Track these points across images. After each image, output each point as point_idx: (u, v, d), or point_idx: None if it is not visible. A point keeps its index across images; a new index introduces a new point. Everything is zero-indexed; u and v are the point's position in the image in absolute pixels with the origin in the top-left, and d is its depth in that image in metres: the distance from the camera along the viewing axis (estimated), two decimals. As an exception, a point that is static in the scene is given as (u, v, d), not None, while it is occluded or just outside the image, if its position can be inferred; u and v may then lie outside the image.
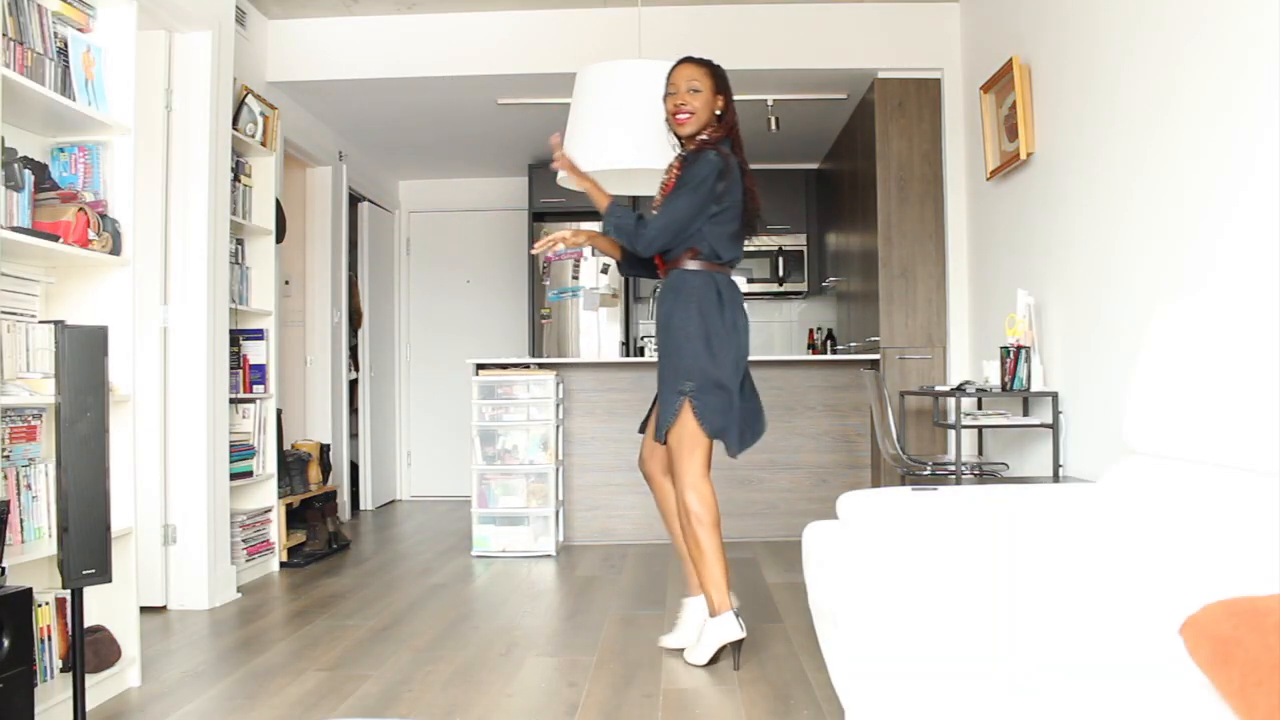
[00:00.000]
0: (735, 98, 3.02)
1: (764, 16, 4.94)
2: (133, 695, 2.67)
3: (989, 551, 1.99)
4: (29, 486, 2.54)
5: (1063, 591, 1.71)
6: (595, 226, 6.62)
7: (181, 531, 3.67)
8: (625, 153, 3.24)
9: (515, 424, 4.84)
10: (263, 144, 4.45)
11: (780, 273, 7.00)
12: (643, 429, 3.17)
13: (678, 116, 2.91)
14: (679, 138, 2.99)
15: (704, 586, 2.88)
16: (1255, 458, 1.63)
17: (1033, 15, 3.92)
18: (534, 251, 3.09)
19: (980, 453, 4.54)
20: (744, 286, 7.03)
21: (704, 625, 2.87)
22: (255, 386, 4.38)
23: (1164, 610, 1.49)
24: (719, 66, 2.98)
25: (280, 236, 4.83)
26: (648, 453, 3.10)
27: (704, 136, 2.93)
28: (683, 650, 2.93)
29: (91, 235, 2.67)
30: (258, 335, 4.42)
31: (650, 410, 3.10)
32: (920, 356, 4.98)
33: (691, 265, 2.94)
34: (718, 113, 2.94)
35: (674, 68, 2.96)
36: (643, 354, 6.90)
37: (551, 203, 6.72)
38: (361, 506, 6.66)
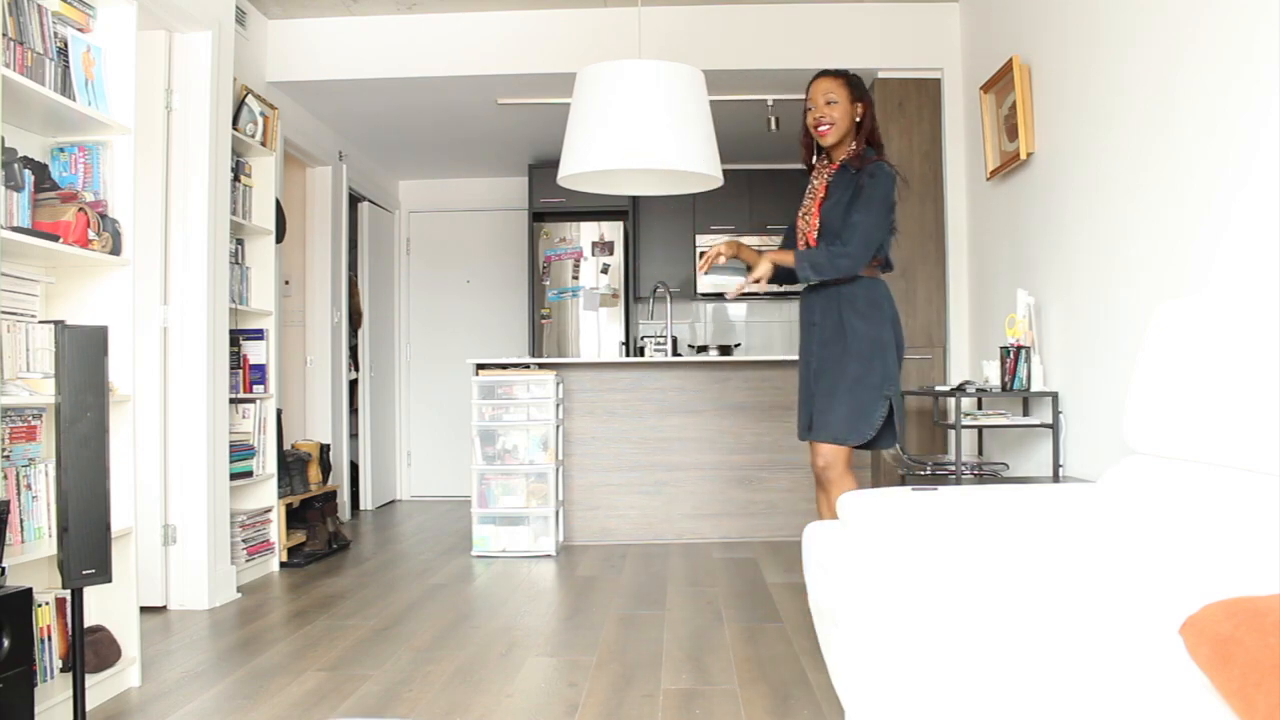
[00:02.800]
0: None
1: (764, 16, 4.94)
2: (133, 695, 2.67)
3: (989, 552, 1.99)
4: (29, 486, 2.54)
5: (1063, 591, 1.71)
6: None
7: (181, 531, 3.67)
8: (625, 153, 3.24)
9: (515, 424, 4.84)
10: (263, 144, 4.45)
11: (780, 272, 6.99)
12: (802, 434, 3.15)
13: (819, 129, 3.02)
14: (818, 150, 3.13)
15: None
16: (1255, 458, 1.63)
17: (1033, 15, 3.92)
18: (703, 271, 3.17)
19: (980, 453, 4.54)
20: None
21: None
22: (255, 386, 4.38)
23: (1164, 610, 1.49)
24: (855, 76, 3.09)
25: (280, 236, 4.83)
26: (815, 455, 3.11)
27: (854, 147, 3.03)
28: None
29: (91, 235, 2.67)
30: (258, 335, 4.42)
31: (804, 415, 3.11)
32: (920, 356, 4.97)
33: (877, 275, 3.06)
34: (857, 120, 3.03)
35: (810, 83, 3.09)
36: (642, 354, 6.90)
37: (551, 203, 6.72)
38: (361, 506, 6.66)
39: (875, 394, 2.95)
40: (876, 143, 3.08)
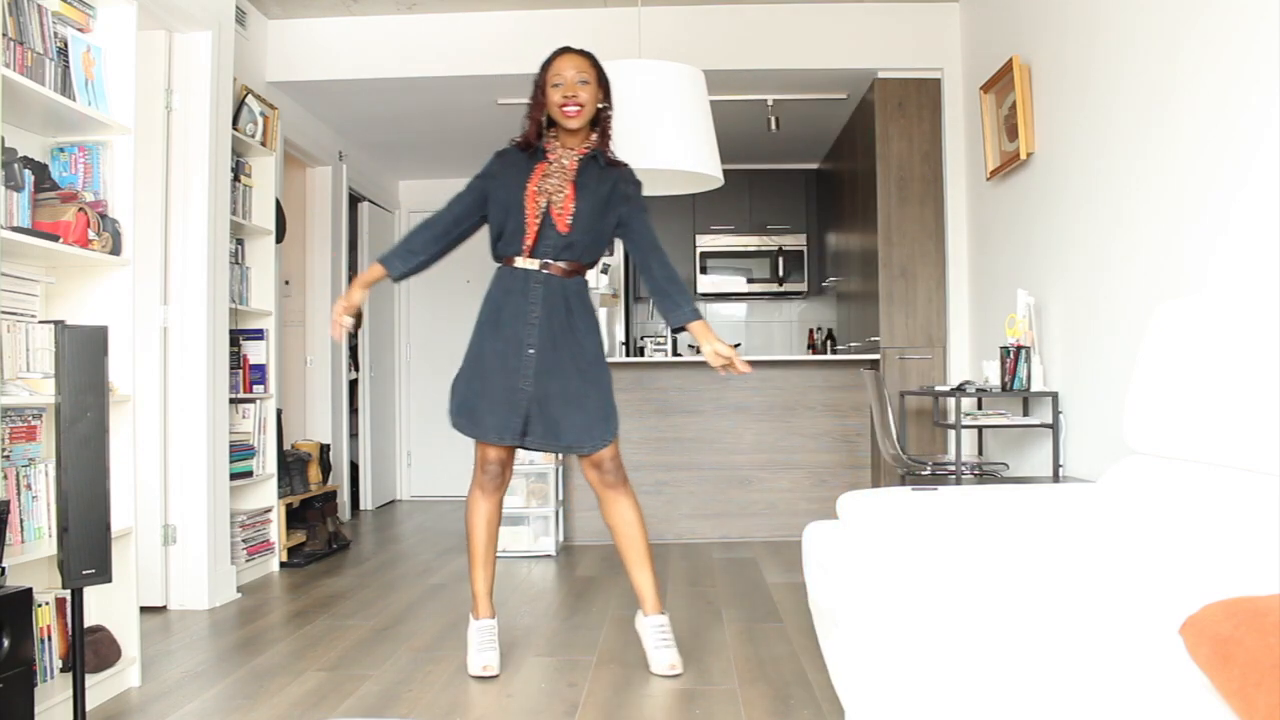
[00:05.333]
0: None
1: (764, 16, 4.94)
2: (133, 695, 2.67)
3: (989, 552, 1.99)
4: (29, 486, 2.54)
5: (1062, 591, 1.71)
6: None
7: (181, 531, 3.67)
8: (625, 153, 3.23)
9: (515, 424, 4.84)
10: (263, 144, 4.45)
11: (780, 273, 7.00)
12: (502, 438, 2.84)
13: (566, 109, 2.77)
14: (548, 130, 2.87)
15: (656, 589, 2.91)
16: (1255, 458, 1.63)
17: (1033, 15, 3.92)
18: (746, 369, 2.87)
19: (980, 453, 4.54)
20: (744, 286, 7.06)
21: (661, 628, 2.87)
22: (255, 386, 4.38)
23: (1164, 610, 1.49)
24: (599, 62, 2.88)
25: (280, 236, 4.83)
26: (509, 461, 2.95)
27: (595, 138, 2.86)
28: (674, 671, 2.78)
29: (91, 235, 2.67)
30: (258, 335, 4.42)
31: (511, 417, 2.82)
32: (920, 356, 4.98)
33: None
34: (599, 106, 2.84)
35: (554, 59, 2.82)
36: (642, 354, 6.91)
37: (551, 203, 6.70)
38: (361, 506, 6.66)
39: (610, 396, 2.87)
40: (610, 137, 2.88)
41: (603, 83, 2.85)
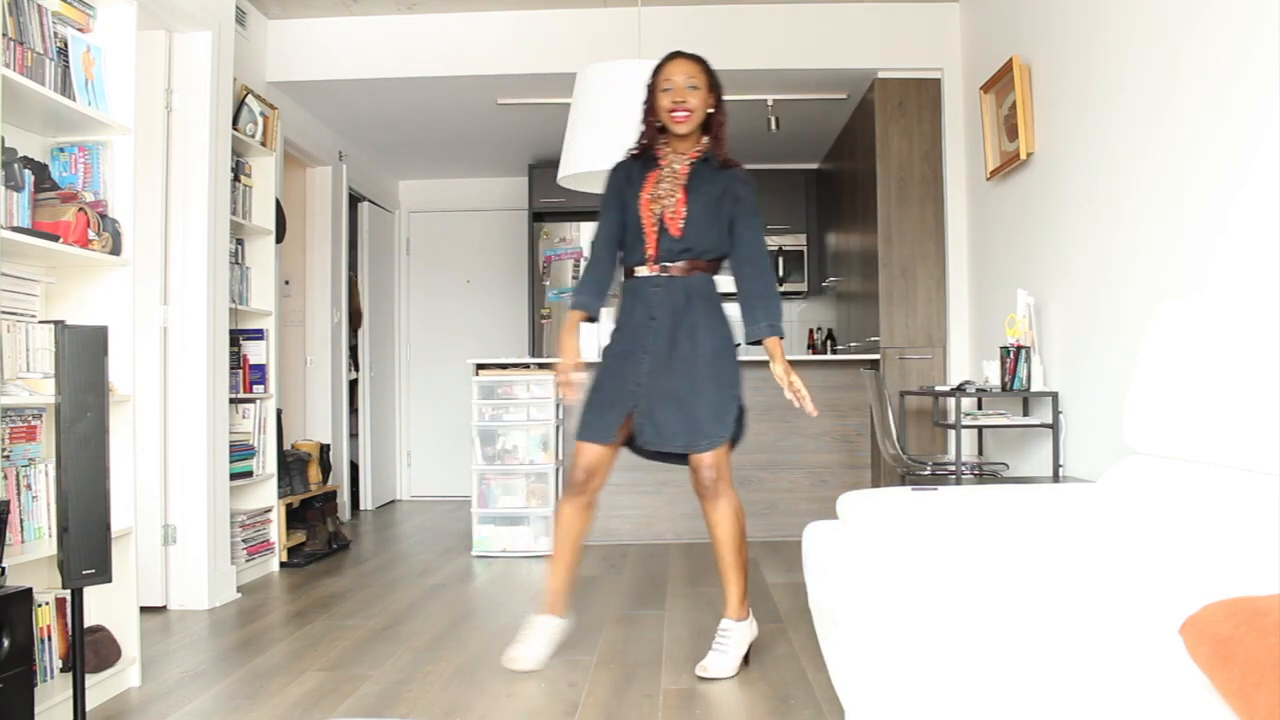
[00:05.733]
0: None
1: (764, 16, 4.94)
2: (133, 695, 2.67)
3: (988, 552, 1.98)
4: (29, 486, 2.54)
5: (1062, 591, 1.71)
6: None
7: (181, 531, 3.67)
8: (625, 153, 3.23)
9: (515, 424, 4.84)
10: (263, 144, 4.45)
11: (780, 272, 7.00)
12: (595, 438, 2.83)
13: (676, 114, 2.79)
14: (657, 135, 2.88)
15: (743, 596, 2.85)
16: (1255, 458, 1.63)
17: (1033, 15, 3.92)
18: (812, 411, 2.86)
19: (980, 453, 4.54)
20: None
21: (743, 634, 2.83)
22: (255, 386, 4.38)
23: (1164, 610, 1.49)
24: (711, 65, 2.89)
25: (280, 236, 4.83)
26: (598, 464, 2.85)
27: (708, 140, 2.87)
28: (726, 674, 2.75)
29: (91, 235, 2.67)
30: (258, 335, 4.42)
31: (613, 418, 2.82)
32: (920, 356, 4.98)
33: (716, 276, 2.91)
34: (709, 111, 2.85)
35: (665, 63, 2.83)
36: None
37: (551, 203, 6.72)
38: (361, 506, 6.66)
39: (730, 394, 2.83)
40: (724, 141, 2.89)
41: (714, 87, 2.86)
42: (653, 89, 2.84)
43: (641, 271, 2.86)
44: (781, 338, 2.85)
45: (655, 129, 2.87)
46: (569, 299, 2.99)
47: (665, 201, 2.81)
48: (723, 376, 2.82)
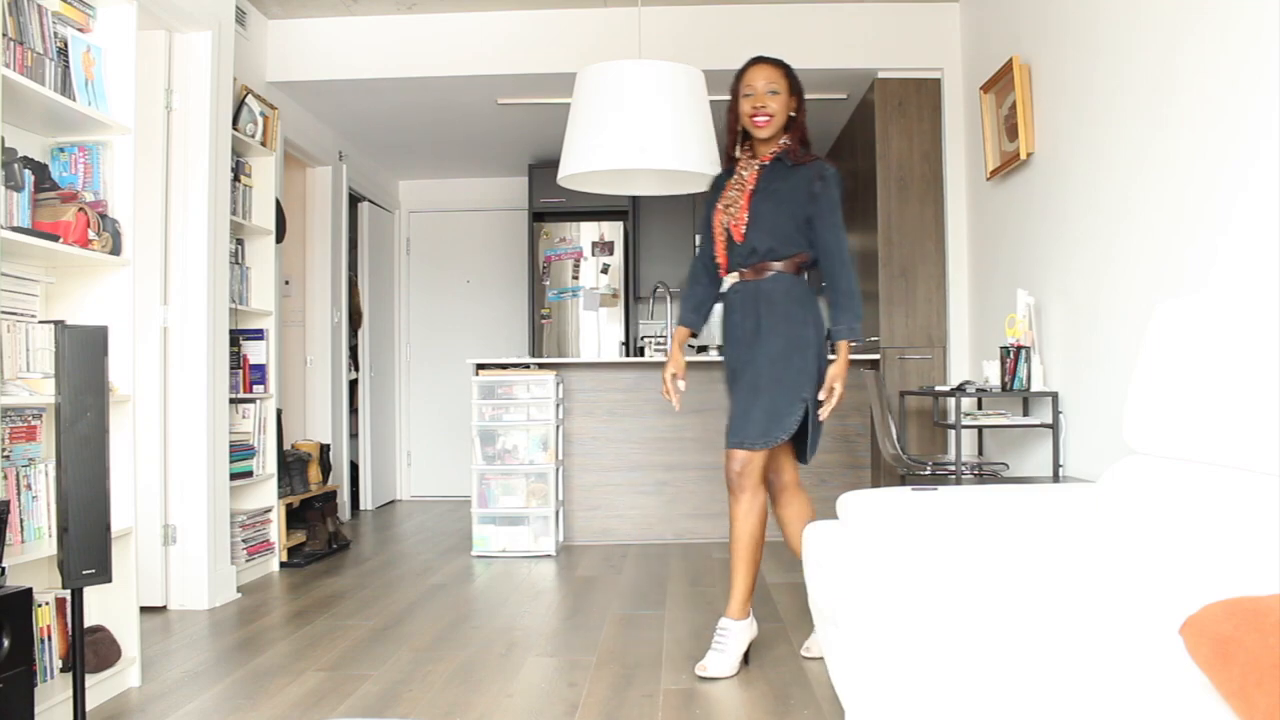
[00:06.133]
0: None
1: (764, 16, 4.94)
2: (133, 695, 2.67)
3: (988, 552, 1.99)
4: (29, 486, 2.54)
5: (1062, 591, 1.71)
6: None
7: (181, 531, 3.67)
8: (625, 153, 3.24)
9: (515, 424, 4.84)
10: (263, 144, 4.45)
11: (780, 273, 6.99)
12: (728, 442, 2.87)
13: (757, 119, 2.84)
14: (745, 141, 2.95)
15: (747, 596, 2.85)
16: (1255, 458, 1.63)
17: (1033, 15, 3.92)
18: (825, 412, 2.83)
19: (980, 453, 4.54)
20: (744, 286, 7.05)
21: (740, 634, 2.83)
22: (255, 386, 4.38)
23: (1164, 610, 1.49)
24: (791, 67, 2.93)
25: (280, 236, 4.83)
26: (752, 464, 2.83)
27: (787, 141, 2.89)
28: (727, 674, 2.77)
29: (91, 235, 2.67)
30: (258, 335, 4.42)
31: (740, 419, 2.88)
32: (920, 356, 4.98)
33: (800, 273, 2.91)
34: (791, 114, 2.90)
35: (746, 69, 2.90)
36: (643, 354, 6.91)
37: (551, 203, 6.72)
38: (361, 506, 6.66)
39: (791, 396, 2.79)
40: (808, 140, 2.92)
41: (795, 91, 2.90)
42: (734, 95, 2.91)
43: (727, 280, 2.98)
44: (853, 341, 2.83)
45: (738, 133, 2.95)
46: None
47: (731, 210, 2.90)
48: (786, 378, 2.81)
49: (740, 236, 2.86)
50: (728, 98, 2.96)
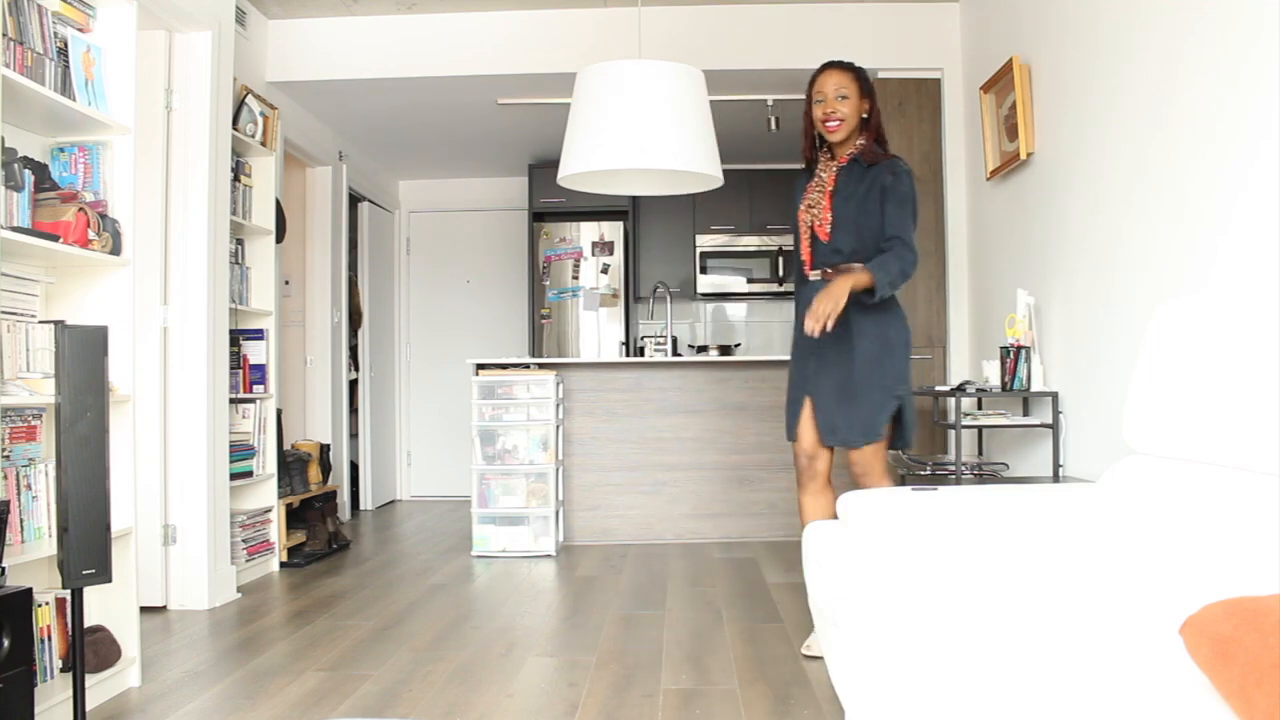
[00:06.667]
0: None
1: (764, 16, 4.94)
2: (133, 695, 2.67)
3: (989, 552, 1.99)
4: (29, 486, 2.54)
5: (1063, 591, 1.71)
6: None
7: (181, 531, 3.67)
8: (625, 153, 3.24)
9: (515, 424, 4.84)
10: (263, 144, 4.45)
11: (780, 273, 7.00)
12: (791, 435, 3.07)
13: (829, 124, 2.95)
14: (819, 144, 3.06)
15: None
16: (1255, 458, 1.63)
17: (1033, 15, 3.92)
18: (814, 332, 2.87)
19: (980, 453, 4.53)
20: (744, 286, 7.06)
21: None
22: (255, 386, 4.38)
23: (1164, 610, 1.49)
24: (863, 70, 3.03)
25: (280, 236, 4.83)
26: (817, 455, 3.02)
27: (863, 142, 2.98)
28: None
29: (91, 235, 2.67)
30: (258, 335, 4.42)
31: (795, 415, 3.03)
32: (920, 356, 4.97)
33: None
34: (864, 115, 2.98)
35: (818, 74, 3.01)
36: (642, 354, 6.90)
37: (551, 203, 6.72)
38: (361, 506, 6.66)
39: (886, 393, 2.91)
40: (883, 138, 3.03)
41: (866, 93, 2.98)
42: (808, 99, 3.02)
43: (809, 279, 3.03)
44: (875, 283, 2.79)
45: (814, 137, 3.06)
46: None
47: (814, 210, 3.00)
48: (881, 379, 2.92)
49: (826, 236, 2.97)
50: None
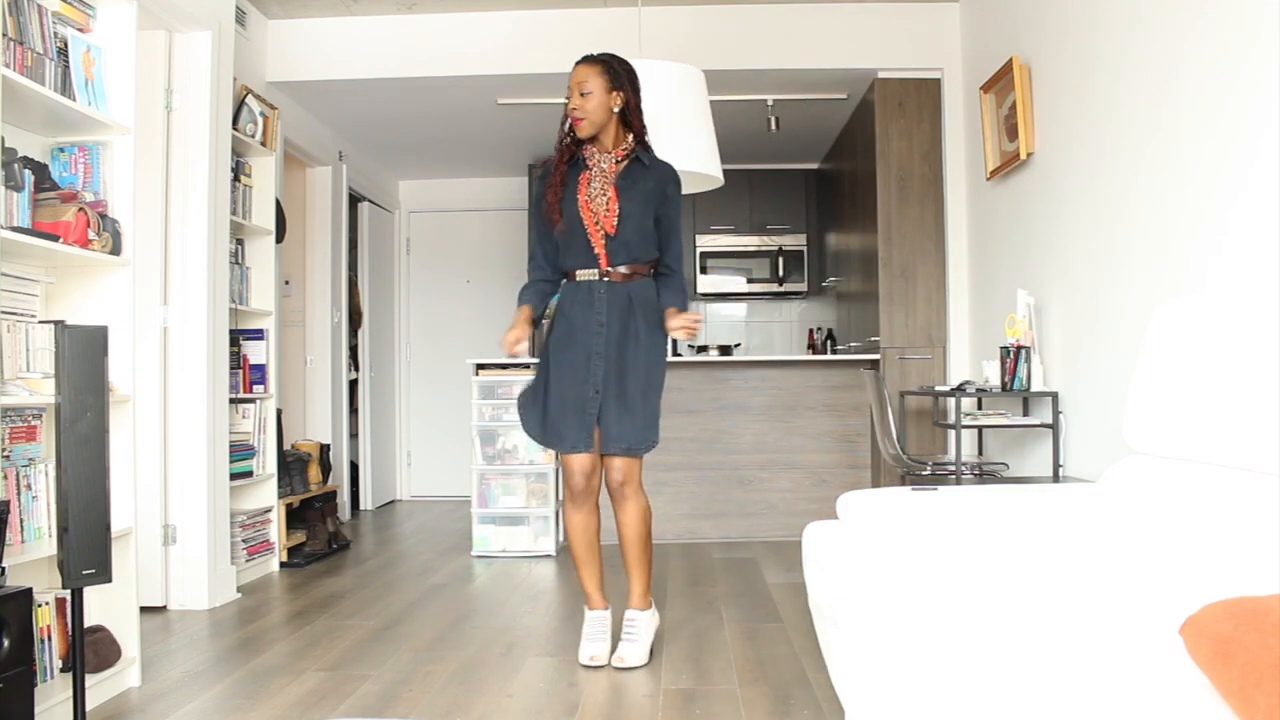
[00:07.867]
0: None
1: (764, 16, 4.94)
2: (133, 695, 2.67)
3: (988, 552, 1.99)
4: (29, 486, 2.54)
5: (1062, 591, 1.71)
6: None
7: (181, 531, 3.67)
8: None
9: (515, 424, 4.83)
10: (263, 144, 4.45)
11: (780, 273, 7.00)
12: (580, 448, 2.90)
13: (573, 119, 2.85)
14: (577, 140, 2.92)
15: (647, 588, 3.04)
16: (1255, 458, 1.63)
17: (1033, 15, 3.92)
18: (687, 338, 2.96)
19: (980, 453, 4.54)
20: (744, 286, 7.06)
21: (649, 623, 3.01)
22: (255, 386, 4.38)
23: (1164, 610, 1.49)
24: (617, 62, 2.89)
25: (280, 236, 4.83)
26: (593, 469, 2.94)
27: (630, 138, 2.91)
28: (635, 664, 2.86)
29: (91, 235, 2.67)
30: (258, 335, 4.42)
31: (587, 425, 2.88)
32: (920, 356, 4.98)
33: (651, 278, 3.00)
34: (616, 109, 2.86)
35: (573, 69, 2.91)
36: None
37: (551, 203, 6.70)
38: (361, 506, 6.66)
39: (659, 400, 2.93)
40: (642, 133, 2.92)
41: (618, 86, 2.86)
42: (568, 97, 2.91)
43: (582, 275, 2.94)
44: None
45: (566, 134, 2.93)
46: None
47: (599, 201, 2.87)
48: (654, 387, 2.94)
49: (613, 229, 2.89)
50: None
